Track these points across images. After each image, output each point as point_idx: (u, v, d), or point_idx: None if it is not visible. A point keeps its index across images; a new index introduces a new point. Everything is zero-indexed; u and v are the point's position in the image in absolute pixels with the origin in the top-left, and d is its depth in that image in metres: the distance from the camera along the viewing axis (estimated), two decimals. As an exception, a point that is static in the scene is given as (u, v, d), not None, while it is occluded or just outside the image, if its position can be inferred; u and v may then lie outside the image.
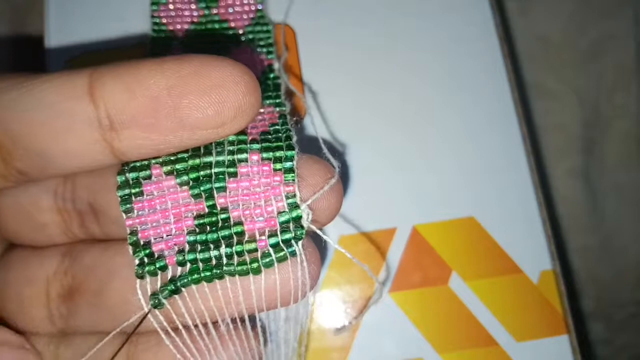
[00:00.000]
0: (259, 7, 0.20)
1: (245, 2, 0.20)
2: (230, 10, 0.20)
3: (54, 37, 0.21)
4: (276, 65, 0.18)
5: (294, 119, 0.16)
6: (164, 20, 0.20)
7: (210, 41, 0.19)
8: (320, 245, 0.14)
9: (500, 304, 0.18)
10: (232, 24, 0.20)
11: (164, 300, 0.13)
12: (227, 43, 0.19)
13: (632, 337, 0.27)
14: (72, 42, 0.21)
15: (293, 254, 0.13)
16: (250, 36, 0.19)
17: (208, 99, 0.12)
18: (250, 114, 0.13)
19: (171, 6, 0.20)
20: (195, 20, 0.20)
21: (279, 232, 0.13)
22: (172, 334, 0.14)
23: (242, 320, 0.14)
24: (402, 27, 0.21)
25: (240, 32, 0.20)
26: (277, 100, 0.16)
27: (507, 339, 0.18)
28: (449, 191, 0.19)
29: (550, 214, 0.21)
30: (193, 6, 0.20)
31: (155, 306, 0.13)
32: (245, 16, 0.20)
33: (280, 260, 0.13)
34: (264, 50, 0.19)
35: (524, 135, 0.20)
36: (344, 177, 0.19)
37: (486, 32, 0.20)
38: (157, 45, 0.19)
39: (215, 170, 0.13)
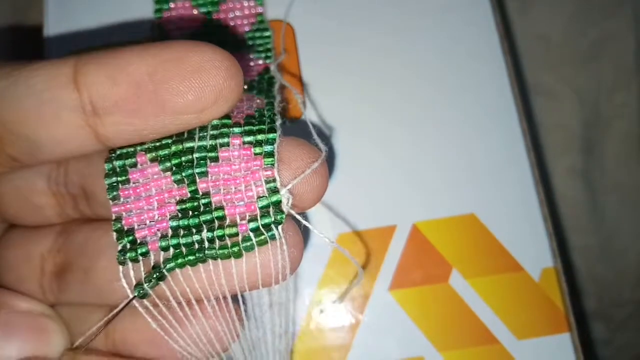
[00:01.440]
0: (259, 10, 0.21)
1: (246, 5, 0.21)
2: (231, 15, 0.21)
3: (53, 27, 0.21)
4: (272, 67, 0.19)
5: (282, 104, 0.16)
6: (167, 27, 0.20)
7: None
8: (303, 229, 0.14)
9: (501, 302, 0.18)
10: (233, 31, 0.20)
11: (149, 291, 0.13)
12: (226, 48, 0.20)
13: (633, 337, 0.27)
14: (71, 30, 0.21)
15: (273, 237, 0.13)
16: (250, 42, 0.20)
17: (188, 83, 0.13)
18: (231, 98, 0.13)
19: (174, 12, 0.21)
20: (197, 26, 0.20)
21: (258, 217, 0.13)
22: (154, 312, 0.14)
23: (225, 298, 0.14)
24: (402, 26, 0.21)
25: (240, 37, 0.20)
26: (269, 93, 0.16)
27: (508, 336, 0.18)
28: (450, 188, 0.19)
29: (551, 211, 0.21)
30: (195, 12, 0.21)
31: (141, 297, 0.13)
32: (245, 21, 0.20)
33: (261, 244, 0.13)
34: (263, 55, 0.20)
35: (524, 132, 0.20)
36: (344, 171, 0.19)
37: (487, 31, 0.21)
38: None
39: (196, 155, 0.14)
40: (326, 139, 0.20)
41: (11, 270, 0.16)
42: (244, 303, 0.15)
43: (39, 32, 0.21)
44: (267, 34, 0.20)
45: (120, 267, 0.13)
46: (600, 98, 0.28)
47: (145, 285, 0.13)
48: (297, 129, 0.20)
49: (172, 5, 0.21)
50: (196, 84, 0.13)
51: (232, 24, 0.20)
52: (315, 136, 0.15)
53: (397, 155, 0.20)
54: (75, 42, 0.21)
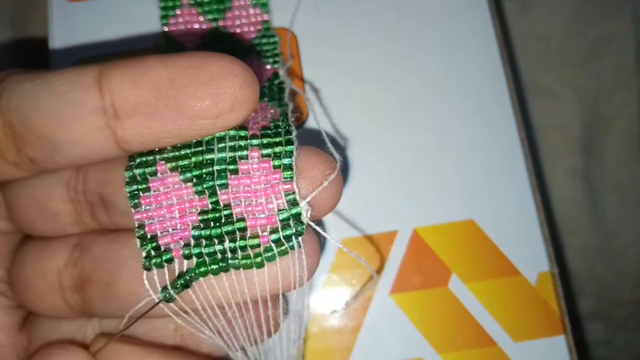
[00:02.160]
0: (265, 17, 0.21)
1: (252, 12, 0.21)
2: (238, 22, 0.21)
3: (59, 40, 0.22)
4: (281, 72, 0.19)
5: (296, 115, 0.16)
6: (174, 34, 0.21)
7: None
8: (319, 234, 0.15)
9: (498, 305, 0.19)
10: (240, 37, 0.21)
11: (175, 295, 0.14)
12: (235, 55, 0.20)
13: (633, 337, 0.28)
14: (77, 43, 0.22)
15: (293, 247, 0.14)
16: (258, 48, 0.20)
17: (206, 89, 0.13)
18: (247, 106, 0.14)
19: (181, 19, 0.21)
20: (204, 33, 0.21)
21: (280, 229, 0.14)
22: (187, 317, 0.15)
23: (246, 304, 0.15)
24: (401, 30, 0.21)
25: (247, 44, 0.20)
26: (281, 101, 0.17)
27: (506, 339, 0.19)
28: (449, 195, 0.20)
29: (548, 215, 0.21)
30: (201, 18, 0.21)
31: (167, 300, 0.14)
32: (252, 28, 0.21)
33: (282, 253, 0.14)
34: (270, 60, 0.20)
35: (522, 138, 0.20)
36: (346, 178, 0.20)
37: (485, 36, 0.21)
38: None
39: (216, 167, 0.14)
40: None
41: (30, 287, 0.16)
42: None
43: (41, 44, 0.22)
44: (273, 40, 0.21)
45: (145, 273, 0.14)
46: (600, 98, 0.28)
47: (171, 291, 0.14)
48: (304, 133, 0.20)
49: (178, 12, 0.21)
50: (214, 91, 0.13)
51: (238, 30, 0.21)
52: (329, 145, 0.15)
53: (397, 163, 0.20)
54: (81, 54, 0.21)
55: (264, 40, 0.21)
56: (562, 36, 0.28)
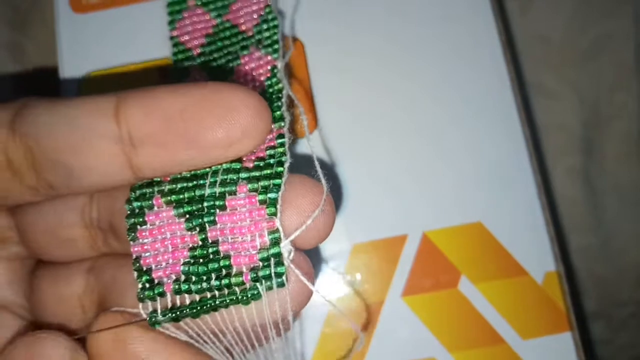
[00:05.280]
0: (268, 1, 0.21)
1: (254, 0, 0.21)
2: (241, 13, 0.21)
3: (66, 52, 0.23)
4: (279, 66, 0.19)
5: (291, 138, 0.16)
6: (182, 39, 0.21)
7: (223, 55, 0.21)
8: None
9: (507, 305, 0.20)
10: (243, 27, 0.21)
11: (161, 319, 0.15)
12: (236, 51, 0.20)
13: (633, 337, 0.29)
14: (85, 55, 0.23)
15: (280, 284, 0.14)
16: (258, 36, 0.20)
17: (218, 120, 0.14)
18: (258, 137, 0.15)
19: (187, 21, 0.21)
20: (209, 31, 0.21)
21: (258, 268, 0.14)
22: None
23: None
24: (403, 32, 0.22)
25: (250, 34, 0.20)
26: (277, 113, 0.17)
27: (514, 337, 0.20)
28: (457, 198, 0.21)
29: (552, 215, 0.22)
30: (207, 17, 0.21)
31: (152, 324, 0.15)
32: (255, 15, 0.21)
33: (268, 289, 0.14)
34: (270, 49, 0.20)
35: (527, 139, 0.21)
36: (353, 183, 0.21)
37: (488, 37, 0.22)
38: (177, 69, 0.21)
39: (205, 204, 0.15)
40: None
41: (50, 313, 0.17)
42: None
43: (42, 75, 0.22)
44: (273, 24, 0.20)
45: (141, 304, 0.15)
46: (600, 98, 0.29)
47: (158, 316, 0.15)
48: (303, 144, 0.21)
49: (185, 14, 0.21)
50: (226, 122, 0.14)
51: (242, 21, 0.21)
52: (319, 172, 0.15)
53: (405, 167, 0.21)
54: (88, 66, 0.22)
55: (264, 26, 0.20)
56: (562, 35, 0.29)
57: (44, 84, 0.28)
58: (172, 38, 0.21)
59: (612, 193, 0.28)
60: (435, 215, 0.21)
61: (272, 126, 0.16)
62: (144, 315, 0.15)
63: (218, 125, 0.14)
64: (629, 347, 0.29)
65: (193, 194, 0.15)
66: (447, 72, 0.22)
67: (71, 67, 0.23)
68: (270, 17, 0.20)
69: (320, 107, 0.22)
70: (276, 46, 0.20)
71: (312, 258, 0.19)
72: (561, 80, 0.29)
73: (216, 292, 0.14)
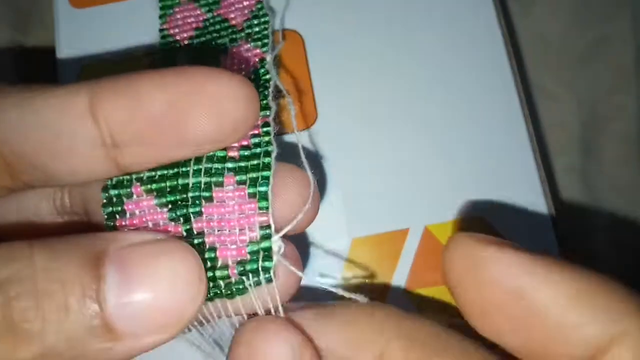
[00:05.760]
0: None
1: None
2: (232, 8, 0.21)
3: (65, 46, 0.22)
4: (268, 58, 0.19)
5: (277, 127, 0.16)
6: (171, 32, 0.21)
7: (210, 45, 0.20)
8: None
9: (510, 300, 0.20)
10: (233, 22, 0.21)
11: None
12: (225, 43, 0.20)
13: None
14: (83, 49, 0.22)
15: (268, 280, 0.14)
16: (248, 30, 0.20)
17: (207, 114, 0.13)
18: (248, 125, 0.14)
19: (178, 15, 0.21)
20: (199, 25, 0.21)
21: (246, 261, 0.14)
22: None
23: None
24: (406, 30, 0.22)
25: (240, 28, 0.20)
26: (264, 102, 0.16)
27: (518, 333, 0.20)
28: (459, 192, 0.21)
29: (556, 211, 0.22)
30: (198, 12, 0.21)
31: None
32: (246, 11, 0.21)
33: (256, 284, 0.14)
34: (259, 43, 0.19)
35: (530, 134, 0.21)
36: (354, 176, 0.21)
37: (491, 35, 0.22)
38: (163, 57, 0.20)
39: (190, 194, 0.14)
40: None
41: None
42: None
43: (43, 52, 0.22)
44: (264, 19, 0.20)
45: None
46: (598, 99, 0.29)
47: None
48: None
49: (176, 9, 0.21)
50: (215, 114, 0.13)
51: (232, 15, 0.21)
52: (305, 164, 0.15)
53: (408, 161, 0.21)
54: (87, 60, 0.22)
55: (255, 21, 0.20)
56: (561, 37, 0.29)
57: (43, 79, 0.27)
58: (161, 30, 0.21)
59: (611, 194, 0.28)
60: (438, 209, 0.21)
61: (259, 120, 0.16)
62: None
63: (208, 120, 0.13)
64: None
65: (175, 182, 0.15)
66: (451, 67, 0.22)
67: (69, 61, 0.22)
68: (261, 12, 0.20)
69: (322, 100, 0.22)
70: (266, 40, 0.19)
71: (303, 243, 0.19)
72: (560, 82, 0.29)
73: None
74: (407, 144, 0.21)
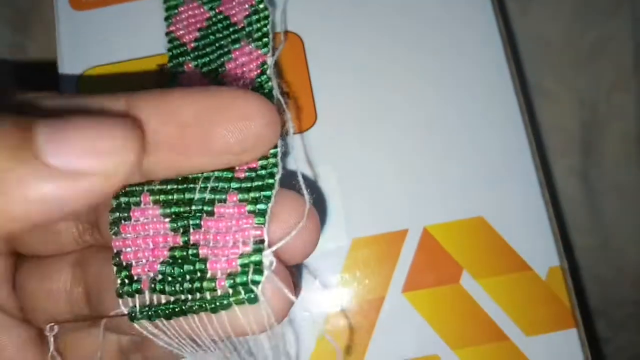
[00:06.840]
0: None
1: None
2: (233, 3, 0.21)
3: (66, 49, 0.23)
4: (269, 61, 0.19)
5: (282, 144, 0.16)
6: (177, 34, 0.21)
7: (215, 49, 0.20)
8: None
9: (510, 300, 0.20)
10: (234, 19, 0.21)
11: (139, 316, 0.15)
12: (228, 45, 0.20)
13: (633, 336, 0.29)
14: (84, 52, 0.23)
15: (253, 300, 0.14)
16: (248, 28, 0.20)
17: (232, 128, 0.14)
18: (269, 144, 0.15)
19: (183, 15, 0.21)
20: (203, 25, 0.21)
21: (236, 274, 0.14)
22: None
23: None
24: (405, 31, 0.22)
25: (241, 25, 0.20)
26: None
27: (518, 333, 0.20)
28: (458, 192, 0.21)
29: (555, 211, 0.22)
30: (201, 10, 0.21)
31: (131, 320, 0.15)
32: (246, 6, 0.21)
33: (238, 302, 0.14)
34: (260, 43, 0.20)
35: (528, 134, 0.21)
36: (353, 177, 0.21)
37: (490, 35, 0.22)
38: (173, 64, 0.21)
39: (194, 207, 0.15)
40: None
41: (38, 307, 0.17)
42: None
43: (43, 54, 0.22)
44: (264, 14, 0.20)
45: (120, 300, 0.15)
46: (599, 99, 0.29)
47: (137, 312, 0.15)
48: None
49: (180, 9, 0.22)
50: (239, 129, 0.14)
51: (233, 12, 0.21)
52: (302, 186, 0.16)
53: (406, 162, 0.21)
54: (89, 62, 0.22)
55: (254, 17, 0.20)
56: (561, 37, 0.30)
57: (45, 81, 0.27)
58: (167, 34, 0.21)
59: (611, 193, 0.29)
60: (436, 210, 0.21)
61: None
62: (124, 311, 0.15)
63: (232, 132, 0.14)
64: (629, 347, 0.29)
65: (182, 196, 0.15)
66: (449, 68, 0.22)
67: (71, 64, 0.23)
68: (260, 7, 0.20)
69: (320, 100, 0.22)
70: (266, 39, 0.20)
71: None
72: (560, 81, 0.30)
73: (189, 296, 0.14)
74: (406, 145, 0.21)
